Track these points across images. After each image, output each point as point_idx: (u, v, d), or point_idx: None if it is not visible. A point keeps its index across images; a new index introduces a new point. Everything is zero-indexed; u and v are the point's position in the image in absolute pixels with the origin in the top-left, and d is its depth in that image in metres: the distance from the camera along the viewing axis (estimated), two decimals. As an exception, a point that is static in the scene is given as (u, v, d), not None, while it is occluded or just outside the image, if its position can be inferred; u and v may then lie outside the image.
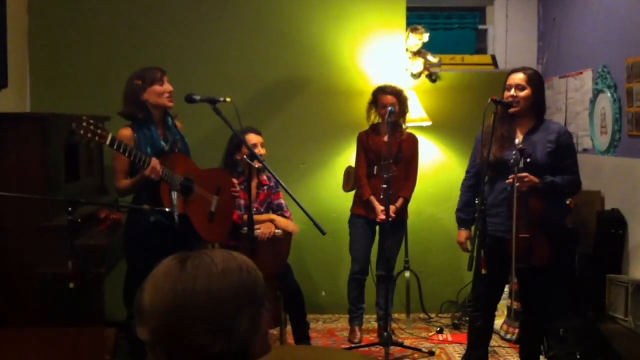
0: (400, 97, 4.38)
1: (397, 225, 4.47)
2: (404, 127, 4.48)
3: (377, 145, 4.44)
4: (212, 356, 1.17)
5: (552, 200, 3.49)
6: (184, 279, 1.18)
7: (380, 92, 4.43)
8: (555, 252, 3.48)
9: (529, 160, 3.36)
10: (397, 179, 4.28)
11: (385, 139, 4.34)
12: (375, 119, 4.51)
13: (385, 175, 3.97)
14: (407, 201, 4.52)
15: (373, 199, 4.42)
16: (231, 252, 1.27)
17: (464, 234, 3.75)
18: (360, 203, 4.51)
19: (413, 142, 4.55)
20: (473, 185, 3.72)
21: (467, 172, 3.80)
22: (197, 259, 1.22)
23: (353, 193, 4.63)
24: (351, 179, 4.66)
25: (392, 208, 4.29)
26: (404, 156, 4.45)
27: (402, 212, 4.53)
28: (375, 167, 4.42)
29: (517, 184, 3.36)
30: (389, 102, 4.32)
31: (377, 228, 4.55)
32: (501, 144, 3.49)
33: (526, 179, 3.37)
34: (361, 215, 4.51)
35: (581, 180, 3.60)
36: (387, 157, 4.10)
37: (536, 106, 3.55)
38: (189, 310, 1.16)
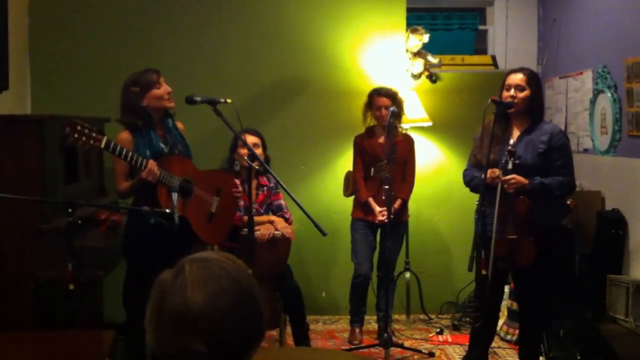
0: (395, 99, 4.38)
1: (397, 227, 4.46)
2: (399, 128, 4.49)
3: (372, 147, 4.45)
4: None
5: (542, 201, 3.46)
6: (234, 277, 1.21)
7: (375, 94, 4.43)
8: (542, 254, 3.46)
9: (517, 162, 3.36)
10: (393, 179, 4.27)
11: (381, 140, 4.33)
12: (370, 121, 4.51)
13: (382, 175, 3.96)
14: (405, 202, 4.52)
15: (370, 200, 4.42)
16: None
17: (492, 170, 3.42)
18: (359, 206, 4.51)
19: (408, 142, 4.55)
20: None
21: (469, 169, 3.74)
22: (220, 260, 1.25)
23: (353, 197, 4.61)
24: (350, 184, 4.64)
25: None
26: (399, 157, 4.44)
27: (402, 213, 4.52)
28: (372, 169, 4.42)
29: (505, 186, 3.36)
30: (383, 104, 4.33)
31: (378, 230, 4.54)
32: (496, 145, 3.48)
33: (512, 181, 3.37)
34: (361, 218, 4.51)
35: (575, 181, 3.57)
36: (382, 158, 4.09)
37: (533, 107, 3.55)
38: (250, 305, 1.22)
